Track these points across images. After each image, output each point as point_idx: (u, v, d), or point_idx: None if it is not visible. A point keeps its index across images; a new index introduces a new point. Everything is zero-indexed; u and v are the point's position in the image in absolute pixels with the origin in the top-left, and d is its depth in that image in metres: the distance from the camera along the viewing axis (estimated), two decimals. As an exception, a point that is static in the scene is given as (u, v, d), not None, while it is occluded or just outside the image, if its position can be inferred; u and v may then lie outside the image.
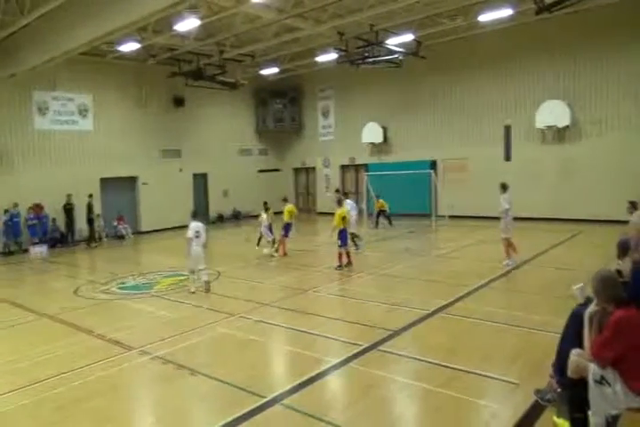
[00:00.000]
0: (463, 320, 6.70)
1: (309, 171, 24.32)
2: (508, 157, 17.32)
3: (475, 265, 10.34)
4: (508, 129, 17.21)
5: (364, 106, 21.09)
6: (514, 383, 4.67)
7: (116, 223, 17.85)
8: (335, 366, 5.33)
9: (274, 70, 20.12)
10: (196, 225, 8.80)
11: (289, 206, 12.70)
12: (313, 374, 5.13)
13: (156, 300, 8.65)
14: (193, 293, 8.78)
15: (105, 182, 17.99)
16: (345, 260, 10.34)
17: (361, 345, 5.85)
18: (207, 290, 8.80)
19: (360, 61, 16.95)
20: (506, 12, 13.99)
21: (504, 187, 9.99)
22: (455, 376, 4.92)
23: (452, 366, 5.13)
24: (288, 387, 4.87)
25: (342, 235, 10.33)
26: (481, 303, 7.44)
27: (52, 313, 8.02)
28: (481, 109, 17.86)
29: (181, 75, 18.43)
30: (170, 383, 5.16)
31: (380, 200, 17.17)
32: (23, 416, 4.58)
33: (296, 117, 23.67)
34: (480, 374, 4.91)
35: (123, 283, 10.19)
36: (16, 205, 15.36)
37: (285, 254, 12.35)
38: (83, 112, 17.53)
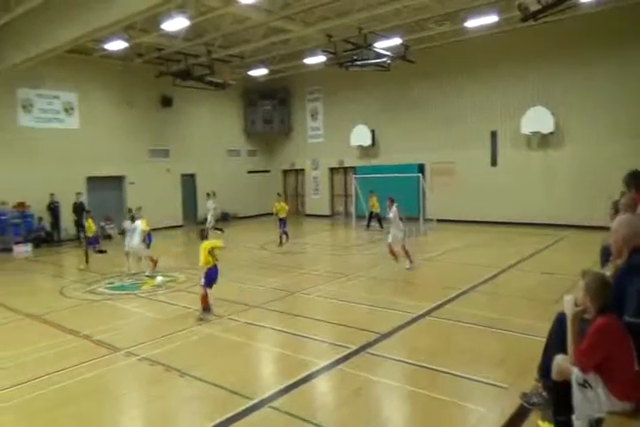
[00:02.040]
0: (450, 323, 6.78)
1: (298, 173, 24.34)
2: (494, 162, 17.58)
3: (462, 269, 10.46)
4: (494, 134, 17.47)
5: (353, 108, 21.19)
6: (500, 387, 4.73)
7: (103, 223, 17.68)
8: (324, 369, 5.36)
9: (263, 71, 20.10)
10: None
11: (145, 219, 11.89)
12: (301, 376, 5.15)
13: (144, 300, 8.60)
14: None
15: (91, 181, 17.80)
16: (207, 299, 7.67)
17: (349, 348, 5.89)
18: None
19: (348, 64, 17.05)
20: (492, 19, 14.21)
21: (392, 200, 10.86)
22: (442, 379, 4.98)
23: (439, 368, 5.20)
24: (277, 389, 4.88)
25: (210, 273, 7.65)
26: (467, 307, 7.53)
27: (36, 313, 7.93)
28: (468, 114, 18.06)
29: (169, 74, 18.32)
30: (158, 385, 5.13)
31: (374, 197, 17.03)
32: (5, 419, 4.52)
33: (285, 119, 23.67)
34: (467, 378, 4.97)
35: (110, 283, 10.10)
36: (4, 203, 15.20)
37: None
38: (69, 110, 17.34)
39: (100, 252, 12.98)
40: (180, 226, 20.26)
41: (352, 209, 19.70)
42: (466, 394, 4.71)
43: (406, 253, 10.51)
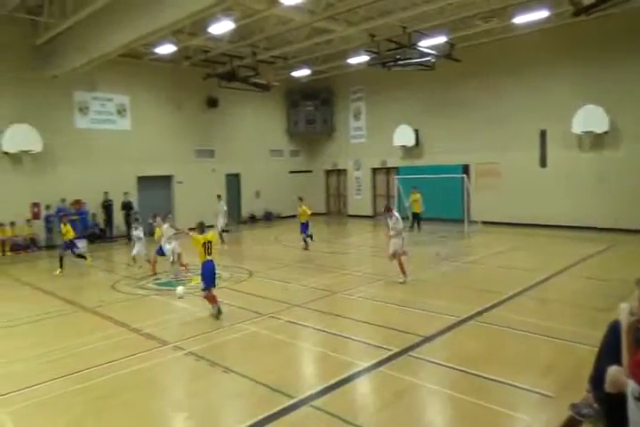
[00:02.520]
0: (495, 329, 6.62)
1: (341, 173, 24.37)
2: (543, 163, 16.94)
3: (507, 273, 10.20)
4: (543, 134, 16.84)
5: (396, 108, 20.99)
6: (546, 396, 4.60)
7: (151, 221, 18.31)
8: (365, 370, 5.36)
9: (305, 72, 20.27)
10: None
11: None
12: (343, 376, 5.18)
13: (189, 297, 8.84)
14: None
15: (142, 181, 18.52)
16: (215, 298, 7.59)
17: (391, 350, 5.86)
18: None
19: (392, 64, 16.90)
20: (542, 14, 13.72)
21: (389, 209, 10.14)
22: (486, 385, 4.89)
23: (483, 374, 5.09)
24: (318, 388, 4.93)
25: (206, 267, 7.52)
26: (513, 312, 7.33)
27: (91, 306, 8.36)
28: (515, 113, 17.49)
29: (215, 76, 18.78)
30: (203, 380, 5.30)
31: (418, 194, 16.70)
32: (59, 406, 4.78)
33: (327, 119, 23.75)
34: (511, 385, 4.85)
35: (157, 279, 10.48)
36: (63, 200, 16.13)
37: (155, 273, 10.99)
38: (121, 112, 18.08)
39: (80, 256, 11.85)
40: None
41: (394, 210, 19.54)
42: (510, 402, 4.60)
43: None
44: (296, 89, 23.22)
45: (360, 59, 18.00)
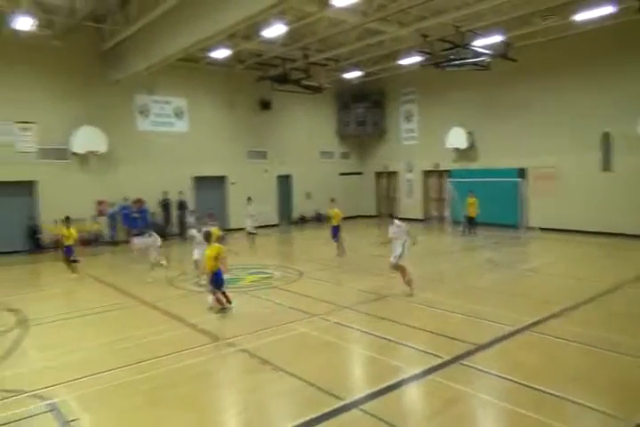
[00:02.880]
0: (553, 340, 6.34)
1: (391, 175, 24.15)
2: (607, 167, 16.01)
3: (567, 282, 9.74)
4: (606, 136, 15.92)
5: (449, 110, 20.53)
6: (610, 415, 4.35)
7: (207, 220, 18.89)
8: (415, 376, 5.31)
9: (357, 74, 20.25)
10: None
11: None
12: (392, 381, 5.15)
13: (241, 295, 9.07)
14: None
15: (197, 181, 19.16)
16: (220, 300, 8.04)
17: (442, 357, 5.76)
18: None
19: (445, 64, 16.56)
20: (605, 11, 12.99)
21: (390, 216, 9.50)
22: (543, 400, 4.69)
23: (539, 387, 4.90)
24: (367, 392, 4.93)
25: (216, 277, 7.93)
26: (573, 324, 6.99)
27: (150, 301, 8.77)
28: (576, 115, 16.57)
29: (268, 79, 19.13)
30: (254, 377, 5.43)
31: (474, 198, 16.46)
32: (121, 394, 5.05)
33: (378, 121, 23.60)
34: (570, 400, 4.63)
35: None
36: (126, 199, 17.00)
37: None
38: (179, 114, 18.80)
39: (74, 261, 11.50)
40: (276, 225, 21.10)
41: (446, 214, 19.16)
42: (569, 418, 4.41)
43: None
44: (347, 91, 23.25)
45: (412, 60, 17.77)
